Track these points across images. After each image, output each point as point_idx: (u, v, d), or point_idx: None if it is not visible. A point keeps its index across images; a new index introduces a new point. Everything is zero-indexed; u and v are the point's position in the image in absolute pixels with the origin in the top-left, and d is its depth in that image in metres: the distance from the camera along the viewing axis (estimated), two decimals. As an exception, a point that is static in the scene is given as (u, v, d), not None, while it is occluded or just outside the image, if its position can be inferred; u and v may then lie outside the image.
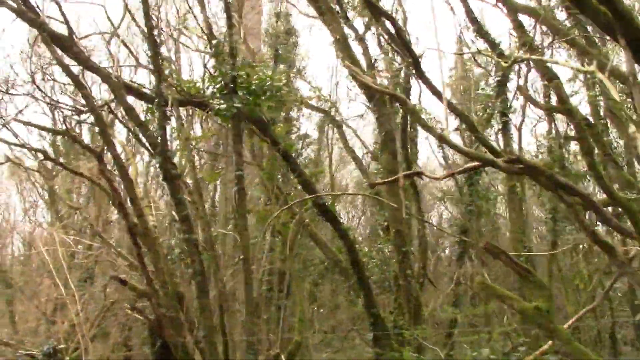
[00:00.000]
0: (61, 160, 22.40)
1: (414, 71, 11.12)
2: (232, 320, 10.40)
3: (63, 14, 10.04)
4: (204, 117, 14.06)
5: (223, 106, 9.86)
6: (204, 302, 9.62)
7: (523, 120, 19.98)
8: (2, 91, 10.36)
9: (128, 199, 10.18)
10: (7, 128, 11.62)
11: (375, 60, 17.27)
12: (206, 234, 10.34)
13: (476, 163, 6.54)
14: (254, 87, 10.40)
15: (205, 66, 11.23)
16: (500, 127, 17.43)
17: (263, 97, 10.63)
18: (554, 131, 18.28)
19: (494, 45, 16.05)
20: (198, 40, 16.26)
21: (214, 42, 10.68)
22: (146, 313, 9.95)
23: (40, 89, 10.70)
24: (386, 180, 10.34)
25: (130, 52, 14.06)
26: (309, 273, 19.25)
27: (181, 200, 9.78)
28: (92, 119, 11.14)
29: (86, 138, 27.06)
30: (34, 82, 10.53)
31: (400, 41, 10.22)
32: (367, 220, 23.13)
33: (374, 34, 18.71)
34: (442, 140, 7.41)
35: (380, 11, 10.10)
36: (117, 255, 12.12)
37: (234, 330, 10.36)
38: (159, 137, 9.72)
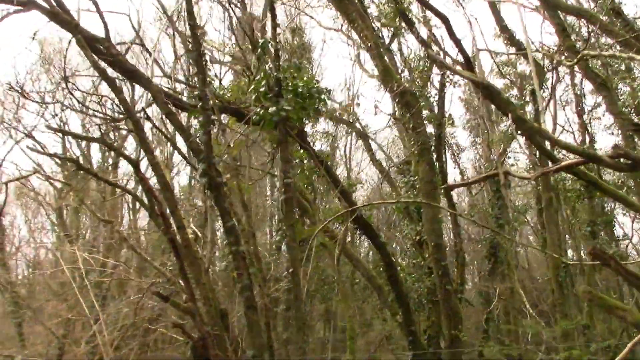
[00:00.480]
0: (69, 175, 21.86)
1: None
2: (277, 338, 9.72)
3: (101, 15, 9.51)
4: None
5: (272, 109, 9.28)
6: (252, 318, 8.94)
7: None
8: (36, 101, 9.77)
9: (167, 211, 9.55)
10: (33, 139, 11.05)
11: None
12: (250, 246, 9.69)
13: (576, 160, 5.98)
14: (300, 90, 9.84)
15: (245, 70, 10.69)
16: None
17: (309, 101, 10.07)
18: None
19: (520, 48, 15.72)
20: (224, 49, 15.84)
21: (260, 41, 10.10)
22: (189, 331, 9.27)
23: (72, 95, 10.10)
24: (470, 181, 9.70)
25: (156, 61, 13.58)
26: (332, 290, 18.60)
27: (226, 210, 9.15)
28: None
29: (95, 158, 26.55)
30: (66, 87, 9.93)
31: (454, 39, 9.72)
32: (390, 236, 22.52)
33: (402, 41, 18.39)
34: (555, 142, 6.87)
35: (435, 11, 9.60)
36: (153, 270, 11.44)
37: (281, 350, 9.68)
38: (203, 143, 9.13)
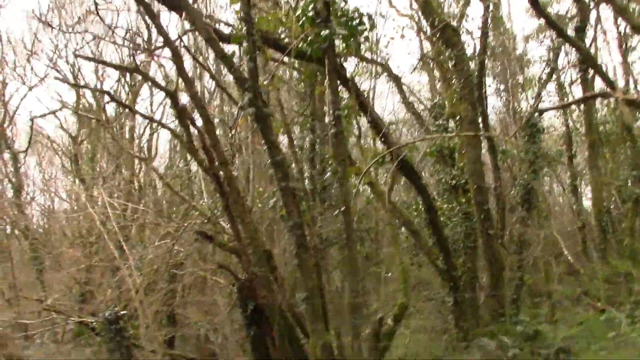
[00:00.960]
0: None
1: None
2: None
3: None
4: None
5: (324, 32, 8.51)
6: (304, 259, 8.39)
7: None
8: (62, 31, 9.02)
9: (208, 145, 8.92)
10: (57, 71, 10.32)
11: None
12: (301, 183, 9.09)
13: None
14: (351, 15, 9.05)
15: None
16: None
17: (358, 28, 9.28)
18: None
19: None
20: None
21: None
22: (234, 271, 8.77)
23: (104, 22, 9.34)
24: (565, 103, 8.98)
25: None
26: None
27: (274, 143, 8.51)
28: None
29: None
30: (97, 13, 9.17)
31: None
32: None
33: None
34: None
35: None
36: (195, 211, 10.90)
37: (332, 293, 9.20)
38: (249, 71, 8.41)
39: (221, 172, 8.85)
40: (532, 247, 16.64)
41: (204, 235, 8.99)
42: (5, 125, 27.11)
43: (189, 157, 21.69)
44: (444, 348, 12.87)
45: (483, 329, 11.96)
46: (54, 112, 13.95)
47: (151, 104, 34.65)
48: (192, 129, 9.48)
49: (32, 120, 13.23)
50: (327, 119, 12.38)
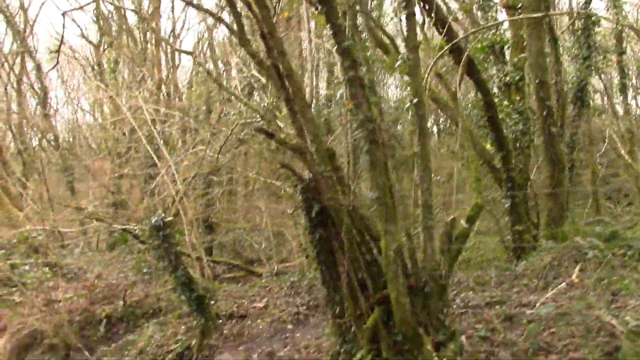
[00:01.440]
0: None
1: None
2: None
3: None
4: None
5: None
6: (375, 155, 7.64)
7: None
8: None
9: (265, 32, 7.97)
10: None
11: None
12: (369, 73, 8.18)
13: None
14: None
15: None
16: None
17: None
18: None
19: None
20: None
21: None
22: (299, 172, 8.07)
23: None
24: None
25: None
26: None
27: (341, 28, 7.55)
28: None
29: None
30: None
31: None
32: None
33: None
34: None
35: None
36: (248, 107, 10.12)
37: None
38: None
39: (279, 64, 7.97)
40: (594, 145, 15.75)
41: (265, 132, 8.22)
42: (26, 34, 26.10)
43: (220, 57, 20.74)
44: (510, 249, 12.37)
45: (550, 231, 11.40)
46: (82, 8, 13.09)
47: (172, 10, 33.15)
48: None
49: (63, 15, 12.30)
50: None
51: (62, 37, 13.24)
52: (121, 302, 14.53)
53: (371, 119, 7.63)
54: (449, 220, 8.32)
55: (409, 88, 8.54)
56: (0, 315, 13.93)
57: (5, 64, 27.23)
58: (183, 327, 11.62)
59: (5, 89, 26.68)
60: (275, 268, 14.60)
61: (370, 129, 7.57)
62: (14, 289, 14.49)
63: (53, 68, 19.40)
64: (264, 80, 11.65)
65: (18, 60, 27.16)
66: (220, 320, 11.35)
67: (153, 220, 10.98)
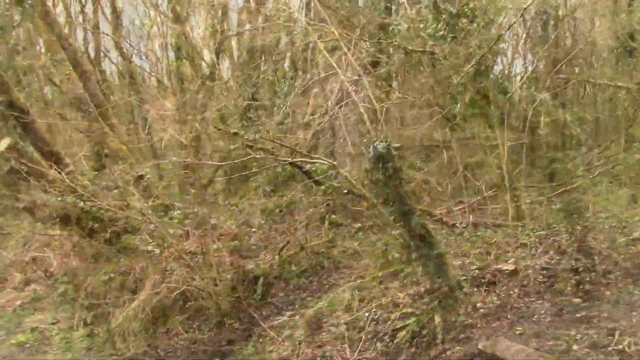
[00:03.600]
0: None
1: None
2: None
3: None
4: None
5: None
6: None
7: None
8: None
9: None
10: None
11: None
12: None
13: None
14: None
15: None
16: None
17: None
18: None
19: None
20: None
21: None
22: None
23: None
24: None
25: None
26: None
27: None
28: None
29: None
30: None
31: None
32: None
33: None
34: None
35: None
36: None
37: None
38: None
39: None
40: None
41: None
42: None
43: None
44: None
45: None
46: None
47: None
48: None
49: None
50: None
51: None
52: (277, 257, 11.51)
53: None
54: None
55: None
56: (134, 267, 10.95)
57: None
58: (405, 296, 8.35)
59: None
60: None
61: None
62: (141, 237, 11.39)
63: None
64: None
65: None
66: (464, 288, 8.05)
67: (378, 147, 7.64)
